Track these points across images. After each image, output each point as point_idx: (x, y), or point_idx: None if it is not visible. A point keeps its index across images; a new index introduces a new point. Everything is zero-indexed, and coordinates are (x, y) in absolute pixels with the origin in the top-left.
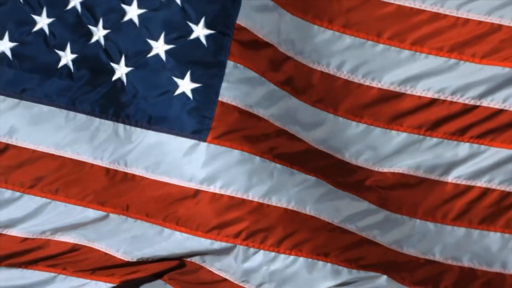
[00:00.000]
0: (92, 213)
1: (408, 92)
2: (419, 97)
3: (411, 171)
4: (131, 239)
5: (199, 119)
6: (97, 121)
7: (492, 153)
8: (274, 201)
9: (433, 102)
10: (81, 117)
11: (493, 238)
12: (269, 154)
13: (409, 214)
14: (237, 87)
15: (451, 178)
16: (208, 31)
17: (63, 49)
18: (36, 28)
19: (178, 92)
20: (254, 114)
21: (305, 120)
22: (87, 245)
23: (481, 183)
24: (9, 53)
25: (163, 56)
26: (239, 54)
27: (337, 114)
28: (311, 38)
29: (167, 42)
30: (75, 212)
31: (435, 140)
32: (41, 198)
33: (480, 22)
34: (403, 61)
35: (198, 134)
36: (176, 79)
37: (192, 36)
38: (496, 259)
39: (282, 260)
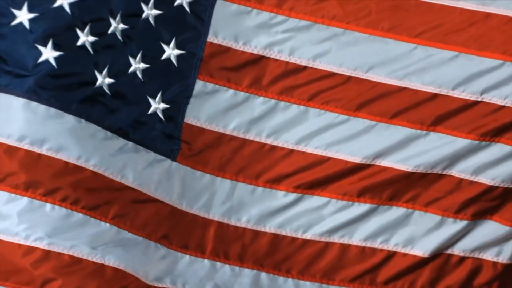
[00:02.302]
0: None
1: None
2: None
3: (410, 167)
4: None
5: (169, 140)
6: (82, 122)
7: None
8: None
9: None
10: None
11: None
12: (232, 173)
13: (407, 206)
14: (204, 107)
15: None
16: (178, 52)
17: (45, 45)
18: (15, 22)
19: (150, 111)
20: (220, 133)
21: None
22: None
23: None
24: None
25: (139, 74)
26: (209, 72)
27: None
28: (302, 34)
29: (143, 61)
30: None
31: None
32: None
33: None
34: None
35: (169, 154)
36: (149, 99)
37: (164, 56)
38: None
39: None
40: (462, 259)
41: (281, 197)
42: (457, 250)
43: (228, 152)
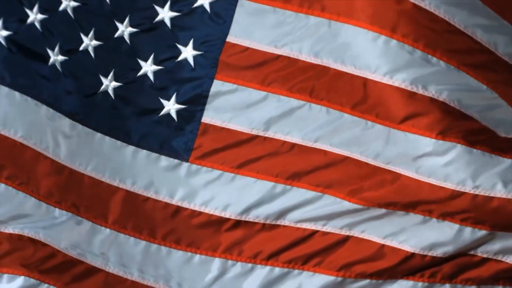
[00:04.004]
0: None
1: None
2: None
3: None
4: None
5: (183, 140)
6: (79, 127)
7: None
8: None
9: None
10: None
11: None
12: (253, 171)
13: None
14: (222, 107)
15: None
16: (195, 52)
17: (53, 49)
18: (28, 21)
19: (163, 113)
20: (239, 132)
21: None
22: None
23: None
24: (3, 42)
25: (151, 76)
26: (227, 72)
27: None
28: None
29: (156, 63)
30: None
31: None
32: None
33: None
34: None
35: (181, 154)
36: (162, 100)
37: (181, 58)
38: None
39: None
40: (485, 260)
41: (301, 194)
42: (480, 252)
43: (248, 150)
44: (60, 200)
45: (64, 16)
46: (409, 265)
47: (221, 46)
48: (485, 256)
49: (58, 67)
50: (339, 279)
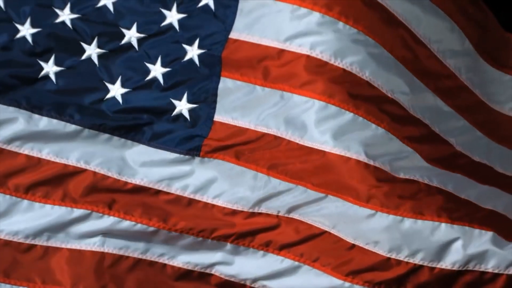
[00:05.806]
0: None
1: None
2: None
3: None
4: None
5: (195, 138)
6: (85, 131)
7: None
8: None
9: None
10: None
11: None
12: (264, 168)
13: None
14: (230, 104)
15: None
16: (200, 51)
17: (47, 60)
18: (18, 36)
19: (175, 113)
20: (249, 129)
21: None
22: None
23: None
24: None
25: (160, 79)
26: (231, 69)
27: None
28: (334, 33)
29: (164, 65)
30: None
31: None
32: None
33: None
34: None
35: (192, 151)
36: (173, 101)
37: (187, 57)
38: None
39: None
40: (496, 275)
41: (306, 192)
42: (491, 268)
43: (258, 147)
44: (50, 195)
45: (61, 28)
46: (418, 278)
47: (224, 43)
48: (496, 271)
49: (52, 77)
50: (347, 284)
